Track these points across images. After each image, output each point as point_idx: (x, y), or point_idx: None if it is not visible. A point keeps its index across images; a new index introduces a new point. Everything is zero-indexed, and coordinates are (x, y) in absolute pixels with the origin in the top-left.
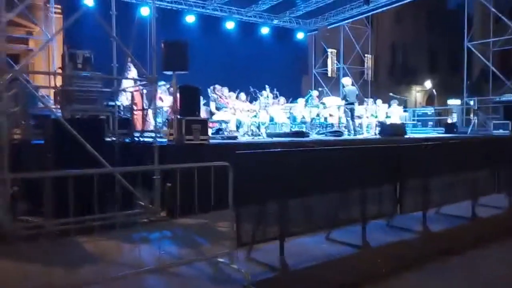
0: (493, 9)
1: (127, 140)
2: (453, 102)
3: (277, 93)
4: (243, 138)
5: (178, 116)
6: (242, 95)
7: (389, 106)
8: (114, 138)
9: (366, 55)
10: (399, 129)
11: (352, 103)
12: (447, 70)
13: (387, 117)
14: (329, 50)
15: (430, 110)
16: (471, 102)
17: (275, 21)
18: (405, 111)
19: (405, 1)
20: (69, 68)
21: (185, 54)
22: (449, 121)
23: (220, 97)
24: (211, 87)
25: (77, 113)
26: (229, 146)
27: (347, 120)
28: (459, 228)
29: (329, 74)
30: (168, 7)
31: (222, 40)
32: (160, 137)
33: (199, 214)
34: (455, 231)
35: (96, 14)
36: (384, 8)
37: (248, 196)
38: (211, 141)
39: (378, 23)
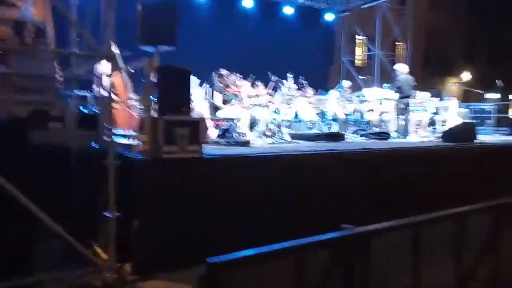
0: None
1: (94, 146)
2: (491, 96)
3: (304, 82)
4: (258, 142)
5: (154, 115)
6: (260, 88)
7: (441, 99)
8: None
9: (397, 42)
10: (469, 132)
11: (408, 97)
12: (485, 61)
13: (435, 113)
14: (360, 36)
15: (489, 105)
16: None
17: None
18: (460, 106)
19: None
20: (14, 43)
21: (171, 23)
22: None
23: (228, 86)
24: (215, 73)
25: (19, 107)
26: (235, 160)
27: (397, 118)
28: None
29: (358, 64)
30: None
31: (237, 20)
32: (130, 146)
33: (186, 269)
34: None
35: None
36: None
37: None
38: (209, 151)
39: (413, 7)
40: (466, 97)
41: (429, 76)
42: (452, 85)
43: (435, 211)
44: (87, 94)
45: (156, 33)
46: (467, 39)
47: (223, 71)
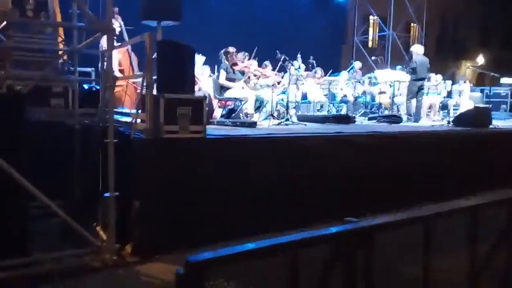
0: None
1: (95, 124)
2: (507, 81)
3: (314, 62)
4: (264, 123)
5: (154, 93)
6: (268, 70)
7: (454, 83)
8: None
9: (412, 24)
10: (482, 117)
11: (423, 79)
12: (500, 44)
13: (447, 97)
14: (373, 16)
15: (505, 90)
16: None
17: None
18: (473, 90)
19: None
20: (14, 15)
21: None
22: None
23: (236, 64)
24: (223, 51)
25: (16, 82)
26: (239, 141)
27: (408, 101)
28: None
29: (370, 45)
30: None
31: None
32: (131, 124)
33: (187, 251)
34: None
35: None
36: None
37: None
38: (212, 132)
39: None
40: (481, 81)
41: (443, 58)
42: (466, 68)
43: (445, 198)
44: (91, 70)
45: (160, 6)
46: (482, 22)
47: (231, 49)
